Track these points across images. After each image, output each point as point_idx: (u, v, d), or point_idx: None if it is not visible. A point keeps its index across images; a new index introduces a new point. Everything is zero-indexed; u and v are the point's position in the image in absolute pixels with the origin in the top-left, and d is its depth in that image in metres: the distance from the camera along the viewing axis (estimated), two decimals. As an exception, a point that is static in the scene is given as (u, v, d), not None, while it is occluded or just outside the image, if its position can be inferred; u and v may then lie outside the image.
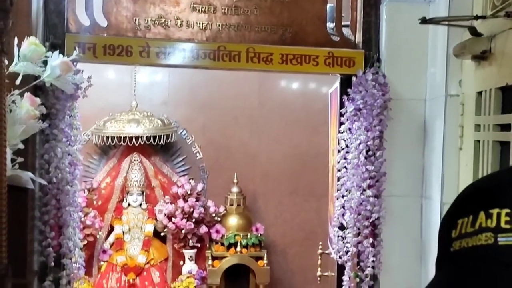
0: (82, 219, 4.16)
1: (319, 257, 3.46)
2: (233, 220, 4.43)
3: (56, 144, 2.48)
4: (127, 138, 4.28)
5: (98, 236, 4.31)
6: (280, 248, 4.73)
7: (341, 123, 2.83)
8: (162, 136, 4.33)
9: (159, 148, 4.53)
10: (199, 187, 4.45)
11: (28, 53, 2.31)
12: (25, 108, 2.31)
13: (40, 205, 2.50)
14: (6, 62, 2.18)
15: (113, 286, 4.29)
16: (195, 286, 4.23)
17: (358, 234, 2.71)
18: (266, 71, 2.84)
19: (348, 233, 2.73)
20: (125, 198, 4.44)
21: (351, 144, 2.74)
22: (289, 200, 4.75)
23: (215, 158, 4.65)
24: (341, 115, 2.82)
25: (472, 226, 0.73)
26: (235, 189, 4.50)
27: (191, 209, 4.32)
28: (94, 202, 4.33)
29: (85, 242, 4.17)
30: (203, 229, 4.36)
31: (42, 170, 2.49)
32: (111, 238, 4.41)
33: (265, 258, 4.31)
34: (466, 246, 0.73)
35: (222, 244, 4.35)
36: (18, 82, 2.27)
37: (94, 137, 4.37)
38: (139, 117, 4.37)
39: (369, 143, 2.67)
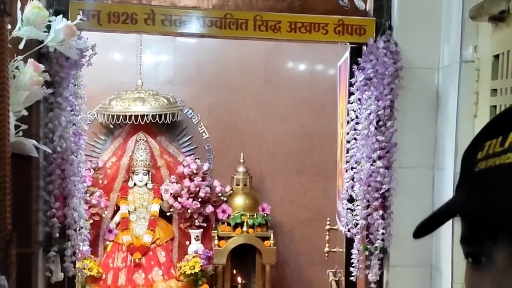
0: (88, 198, 4.13)
1: (327, 233, 3.40)
2: (240, 200, 4.38)
3: (60, 113, 2.42)
4: (133, 117, 4.23)
5: (103, 216, 4.27)
6: (286, 228, 4.68)
7: (350, 94, 2.76)
8: (168, 115, 4.27)
9: (165, 127, 4.48)
10: (205, 166, 4.39)
11: (31, 17, 2.25)
12: (29, 74, 2.25)
13: (44, 174, 2.45)
14: (9, 26, 2.13)
15: (119, 266, 4.25)
16: (201, 266, 4.19)
17: (368, 206, 2.65)
18: (274, 40, 2.77)
19: (357, 205, 2.67)
20: (130, 178, 4.39)
21: (361, 114, 2.67)
22: (296, 180, 4.69)
23: (222, 138, 4.60)
24: (351, 85, 2.76)
25: (501, 145, 0.69)
26: (241, 169, 4.44)
27: (197, 189, 4.27)
28: (100, 182, 4.29)
29: (91, 221, 4.14)
30: (209, 209, 4.31)
31: (46, 139, 2.43)
32: (117, 218, 4.37)
33: (271, 238, 4.26)
34: (493, 165, 0.69)
35: (228, 224, 4.30)
36: (21, 46, 2.21)
37: (100, 116, 4.32)
38: (144, 95, 4.31)
39: (379, 112, 2.60)
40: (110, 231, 4.32)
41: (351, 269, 2.70)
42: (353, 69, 2.72)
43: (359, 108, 2.71)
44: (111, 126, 4.46)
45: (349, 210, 2.72)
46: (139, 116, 4.22)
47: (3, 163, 1.99)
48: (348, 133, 2.74)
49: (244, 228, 4.24)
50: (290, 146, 4.68)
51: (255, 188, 4.53)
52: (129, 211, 4.36)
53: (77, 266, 2.57)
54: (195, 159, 4.41)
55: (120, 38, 4.55)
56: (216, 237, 4.25)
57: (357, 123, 2.71)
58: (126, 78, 4.50)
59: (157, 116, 4.24)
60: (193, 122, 4.53)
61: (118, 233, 4.32)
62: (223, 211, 4.33)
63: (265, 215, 4.37)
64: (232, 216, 4.30)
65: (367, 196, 2.65)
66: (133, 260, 4.23)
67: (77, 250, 2.51)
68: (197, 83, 4.62)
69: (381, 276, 2.69)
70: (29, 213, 2.33)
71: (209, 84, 4.62)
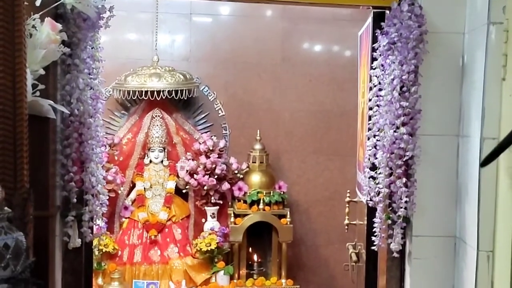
0: (104, 174, 4.07)
1: (347, 205, 3.32)
2: (256, 178, 4.31)
3: (77, 75, 2.35)
4: (149, 92, 4.17)
5: (119, 192, 4.22)
6: (303, 207, 4.61)
7: (373, 60, 2.67)
8: (184, 91, 4.22)
9: (181, 104, 4.42)
10: (222, 143, 4.34)
11: (48, -26, 2.18)
12: (46, 32, 2.18)
13: (62, 138, 2.38)
14: (25, -17, 2.06)
15: (134, 243, 4.20)
16: (217, 243, 4.13)
17: (391, 174, 2.56)
18: (295, 4, 2.69)
19: (379, 173, 2.58)
20: (146, 155, 4.34)
21: (384, 80, 2.59)
22: (312, 158, 4.62)
23: (238, 115, 4.53)
24: (374, 50, 2.66)
25: None
26: (258, 146, 4.38)
27: (213, 166, 4.21)
28: (116, 158, 4.24)
29: (107, 198, 4.09)
30: (225, 186, 4.25)
31: (63, 101, 2.36)
32: (133, 195, 4.32)
33: (288, 216, 4.20)
34: None
35: (245, 202, 4.25)
36: (38, 3, 2.14)
37: (115, 92, 4.27)
38: (160, 71, 4.25)
39: (403, 77, 2.51)
40: (126, 208, 4.27)
41: (373, 238, 2.62)
42: (376, 34, 2.63)
43: (382, 74, 2.62)
44: (127, 103, 4.41)
45: (371, 178, 2.64)
46: (155, 92, 4.17)
47: (21, 119, 1.93)
48: (370, 100, 2.65)
49: (261, 206, 4.18)
50: (307, 124, 4.60)
51: (271, 165, 4.46)
52: (144, 188, 4.30)
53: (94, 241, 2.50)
54: (211, 136, 4.35)
55: (136, 15, 4.49)
56: (232, 215, 4.19)
57: (380, 89, 2.62)
58: (142, 55, 4.44)
59: (173, 92, 4.18)
60: (209, 99, 4.47)
61: (134, 210, 4.27)
62: (239, 189, 4.28)
63: (282, 193, 4.30)
64: (248, 194, 4.24)
65: (390, 164, 2.56)
66: (149, 237, 4.18)
67: (95, 216, 2.45)
68: (213, 60, 4.54)
69: (403, 245, 2.60)
70: (47, 177, 2.26)
71: (225, 62, 4.54)
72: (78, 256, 2.52)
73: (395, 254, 2.58)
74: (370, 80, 2.68)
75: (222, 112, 4.47)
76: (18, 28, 1.92)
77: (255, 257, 4.35)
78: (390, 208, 2.59)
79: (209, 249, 4.11)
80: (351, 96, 4.49)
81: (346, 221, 3.30)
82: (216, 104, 4.47)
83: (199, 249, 4.12)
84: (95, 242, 3.96)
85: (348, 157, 4.56)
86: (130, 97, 4.26)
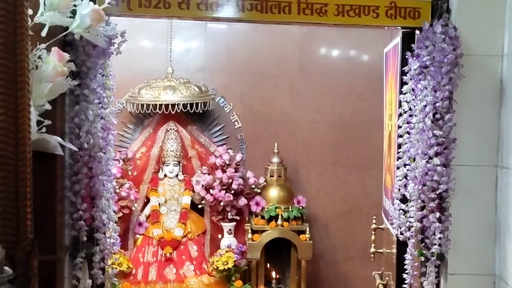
0: (117, 190, 3.88)
1: (373, 232, 3.09)
2: (274, 192, 4.10)
3: (87, 106, 2.14)
4: (163, 106, 3.97)
5: (133, 208, 4.02)
6: (322, 221, 4.39)
7: (403, 83, 2.44)
8: (199, 104, 4.00)
9: (196, 116, 4.21)
10: (238, 157, 4.12)
11: (55, 1, 1.96)
12: (52, 63, 1.97)
13: (70, 173, 2.18)
14: (31, 11, 1.85)
15: (149, 260, 4.00)
16: (234, 261, 3.92)
17: (423, 207, 2.34)
18: (319, 25, 2.46)
19: (411, 206, 2.36)
20: (161, 169, 4.14)
21: (415, 106, 2.36)
22: (331, 171, 4.39)
23: (254, 127, 4.32)
24: (403, 74, 2.43)
25: None
26: (275, 160, 4.16)
27: (230, 180, 4.00)
28: (129, 173, 4.05)
29: (120, 214, 3.90)
30: (243, 201, 4.04)
31: (72, 135, 2.16)
32: (147, 210, 4.13)
33: (307, 232, 3.98)
34: None
35: (262, 217, 4.04)
36: (44, 34, 1.93)
37: (129, 105, 4.06)
38: (175, 83, 4.04)
39: (437, 104, 2.28)
40: (140, 224, 4.08)
41: (404, 275, 2.40)
42: (406, 56, 2.39)
43: (413, 100, 2.39)
44: (141, 116, 4.21)
45: (401, 211, 2.41)
46: (170, 105, 3.96)
47: (24, 165, 1.72)
48: (400, 127, 2.42)
49: (279, 221, 3.97)
50: (325, 136, 4.37)
51: (289, 179, 4.25)
52: (159, 204, 4.11)
53: (106, 270, 2.30)
54: (228, 149, 4.14)
55: (150, 24, 4.27)
56: (249, 231, 3.99)
57: (410, 116, 2.39)
58: (155, 65, 4.23)
59: (188, 105, 3.97)
60: (225, 111, 4.26)
61: (148, 226, 4.08)
62: (257, 204, 4.07)
63: (301, 207, 4.09)
64: (266, 209, 4.03)
65: (422, 197, 2.33)
66: (164, 254, 3.98)
67: (106, 256, 2.25)
68: (229, 70, 4.32)
69: (437, 284, 2.38)
70: (54, 216, 2.06)
71: (241, 72, 4.32)
72: (89, 297, 2.32)
73: (429, 294, 2.36)
74: (400, 106, 2.45)
75: (238, 124, 4.26)
76: (21, 65, 1.71)
77: (273, 274, 4.14)
78: (423, 244, 2.37)
79: (226, 268, 3.91)
80: (371, 107, 4.29)
81: (372, 249, 3.07)
82: (232, 116, 4.25)
83: (215, 267, 3.92)
84: (109, 261, 3.82)
85: (367, 169, 4.35)
86: (144, 110, 4.06)
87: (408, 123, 2.41)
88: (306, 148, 4.37)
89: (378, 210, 4.25)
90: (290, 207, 4.05)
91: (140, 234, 4.08)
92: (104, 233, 2.26)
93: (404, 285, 2.41)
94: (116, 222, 2.33)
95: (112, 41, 2.21)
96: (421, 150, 2.33)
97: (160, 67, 4.18)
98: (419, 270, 2.38)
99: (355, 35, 4.33)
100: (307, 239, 3.97)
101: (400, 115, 2.43)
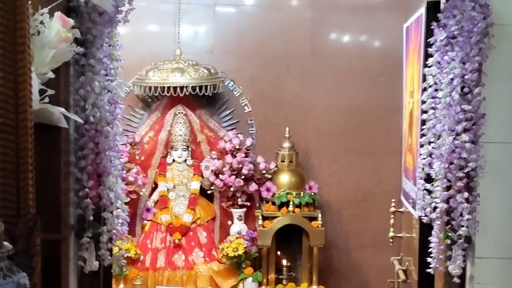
0: (124, 175, 3.73)
1: (392, 216, 2.92)
2: (285, 178, 3.94)
3: (93, 77, 1.98)
4: (171, 88, 3.82)
5: (141, 194, 3.88)
6: (334, 208, 4.22)
7: (427, 56, 2.27)
8: (208, 87, 3.85)
9: (205, 100, 4.06)
10: (248, 142, 3.97)
11: (57, -39, 1.81)
12: (55, 29, 1.81)
13: (75, 148, 2.02)
14: (32, -28, 1.70)
15: (157, 247, 3.86)
16: (244, 248, 3.77)
17: (449, 187, 2.17)
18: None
19: (436, 186, 2.20)
20: (169, 154, 3.99)
21: (441, 80, 2.19)
22: (344, 157, 4.22)
23: (265, 111, 4.15)
24: (428, 46, 2.27)
25: None
26: (286, 144, 4.00)
27: (240, 165, 3.84)
28: (137, 158, 3.90)
29: (128, 199, 3.76)
30: (253, 186, 3.88)
31: (77, 107, 2.00)
32: (155, 196, 3.98)
33: (319, 219, 3.82)
34: None
35: (273, 203, 3.88)
36: (46, -4, 1.78)
37: (136, 88, 3.91)
38: (183, 66, 3.88)
39: (465, 77, 2.11)
40: (148, 210, 3.93)
41: (429, 259, 2.23)
42: (432, 27, 2.23)
43: (438, 73, 2.22)
44: (148, 99, 4.06)
45: (426, 192, 2.25)
46: (178, 88, 3.81)
47: (25, 134, 1.57)
48: (425, 102, 2.26)
49: (290, 208, 3.81)
50: (338, 120, 4.20)
51: (301, 165, 4.08)
52: (168, 189, 3.96)
53: (114, 252, 2.15)
54: (237, 133, 3.99)
55: (157, 6, 4.12)
56: (260, 217, 3.84)
57: (436, 90, 2.23)
58: (163, 48, 4.07)
59: (197, 87, 3.82)
60: (234, 94, 4.10)
61: (156, 212, 3.93)
62: (268, 189, 3.91)
63: (312, 194, 3.93)
64: (277, 195, 3.88)
65: (449, 176, 2.16)
66: (173, 240, 3.84)
67: (114, 236, 2.09)
68: (239, 53, 4.16)
69: (464, 269, 2.21)
70: (58, 194, 1.91)
71: (251, 54, 4.16)
72: (96, 280, 2.17)
73: (455, 279, 2.19)
74: (424, 80, 2.28)
75: (248, 108, 4.10)
76: (21, 25, 1.55)
77: (284, 262, 3.98)
78: (449, 226, 2.20)
79: (236, 254, 3.76)
80: (386, 90, 4.13)
81: (391, 234, 2.90)
82: (242, 100, 4.09)
83: (225, 254, 3.77)
84: (116, 247, 3.67)
85: (382, 156, 4.19)
86: (151, 93, 3.91)
87: (433, 98, 2.24)
88: (318, 133, 4.20)
89: (392, 197, 4.08)
90: (301, 193, 3.89)
91: (148, 220, 3.94)
92: (112, 212, 2.11)
93: (429, 270, 2.25)
94: (125, 203, 2.17)
95: (119, 8, 2.05)
96: (447, 126, 2.16)
97: (168, 50, 4.03)
98: (445, 254, 2.21)
99: (367, 16, 4.16)
100: (319, 226, 3.81)
101: (425, 89, 2.27)
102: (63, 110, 1.86)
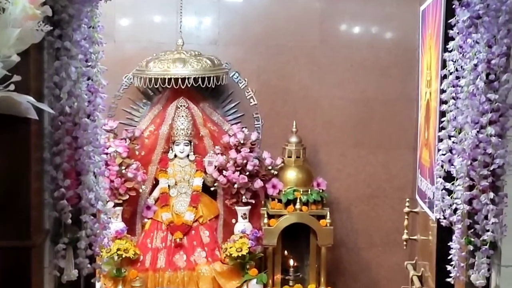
0: (123, 171, 3.48)
1: (406, 217, 2.62)
2: (292, 174, 3.65)
3: (69, 61, 1.69)
4: (173, 80, 3.53)
5: (141, 191, 3.61)
6: (343, 206, 3.93)
7: (447, 40, 1.97)
8: (211, 78, 3.56)
9: (208, 92, 3.78)
10: (253, 136, 3.68)
11: None
12: (21, 4, 1.54)
13: (50, 143, 1.75)
14: None
15: (158, 246, 3.59)
16: (249, 248, 3.49)
17: (472, 187, 1.87)
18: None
19: (457, 185, 1.90)
20: (170, 149, 3.71)
21: (464, 65, 1.89)
22: (353, 152, 3.93)
23: (271, 104, 3.86)
24: (449, 27, 1.96)
25: None
26: (294, 139, 3.71)
27: (245, 161, 3.56)
28: (136, 153, 3.62)
29: (127, 197, 3.51)
30: (258, 183, 3.59)
31: (51, 97, 1.72)
32: (156, 193, 3.70)
33: (327, 217, 3.54)
34: None
35: (279, 201, 3.60)
36: (8, -34, 1.50)
37: (136, 80, 3.63)
38: (185, 56, 3.60)
39: (492, 62, 1.80)
40: (148, 207, 3.66)
41: (449, 268, 1.94)
42: (454, 6, 1.92)
43: (460, 58, 1.92)
44: (149, 92, 3.78)
45: (445, 192, 1.95)
46: (180, 79, 3.53)
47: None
48: (444, 91, 1.96)
49: (297, 206, 3.53)
50: (347, 114, 3.90)
51: (308, 160, 3.80)
52: (169, 186, 3.68)
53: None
54: (242, 127, 3.69)
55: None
56: (265, 215, 3.56)
57: (457, 78, 1.92)
58: (165, 38, 3.80)
59: (200, 79, 3.53)
60: (239, 87, 3.81)
61: (157, 210, 3.66)
62: (274, 186, 3.63)
63: (321, 191, 3.64)
64: (283, 192, 3.60)
65: (472, 174, 1.86)
66: (174, 240, 3.57)
67: (94, 242, 1.81)
68: (244, 43, 3.86)
69: (488, 278, 1.91)
70: (28, 194, 1.62)
71: (257, 45, 3.86)
72: (76, 290, 1.89)
73: (479, 290, 1.89)
74: (444, 67, 1.98)
75: (254, 101, 3.81)
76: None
77: (291, 262, 3.70)
78: (472, 230, 1.90)
79: (240, 255, 3.47)
80: (397, 83, 3.87)
81: (405, 236, 2.60)
82: (247, 92, 3.80)
83: (229, 254, 3.49)
84: (114, 247, 3.41)
85: (393, 150, 3.91)
86: (152, 85, 3.64)
87: (454, 86, 1.94)
88: (326, 127, 3.90)
89: (404, 193, 3.84)
90: (309, 190, 3.60)
91: (148, 218, 3.67)
92: (94, 215, 1.83)
93: (448, 279, 1.95)
94: (107, 202, 1.88)
95: (101, -16, 1.76)
96: (471, 118, 1.86)
97: (170, 40, 3.75)
98: (467, 262, 1.91)
99: (378, 6, 3.86)
100: (328, 225, 3.53)
101: (445, 77, 1.96)
102: (30, 99, 1.58)
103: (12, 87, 1.54)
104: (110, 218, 1.88)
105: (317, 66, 3.88)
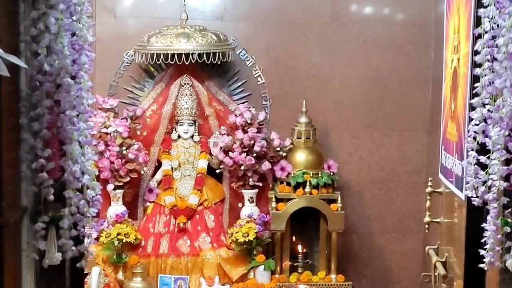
0: (124, 152, 3.22)
1: (428, 197, 2.34)
2: (301, 156, 3.40)
3: (47, 11, 1.43)
4: (176, 56, 3.27)
5: (142, 173, 3.36)
6: (355, 189, 3.68)
7: (482, -6, 1.69)
8: (217, 54, 3.30)
9: (214, 70, 3.52)
10: (261, 116, 3.41)
11: None
12: None
13: (27, 107, 1.49)
14: None
15: (160, 231, 3.34)
16: (256, 233, 3.23)
17: (510, 160, 1.60)
18: None
19: (493, 159, 1.62)
20: (174, 129, 3.46)
21: (501, 23, 1.60)
22: (366, 133, 3.68)
23: (280, 83, 3.61)
24: (484, -20, 1.68)
25: None
26: (303, 119, 3.45)
27: (252, 142, 3.30)
28: (138, 133, 3.37)
29: (128, 179, 3.26)
30: (266, 165, 3.33)
31: (27, 52, 1.46)
32: (158, 175, 3.45)
33: (338, 201, 3.28)
34: None
35: (288, 184, 3.36)
36: None
37: (137, 56, 3.37)
38: (189, 31, 3.34)
39: (536, 16, 1.54)
40: (150, 190, 3.42)
41: (482, 252, 1.66)
42: (491, -46, 1.63)
43: (497, 15, 1.63)
44: (152, 69, 3.52)
45: (478, 166, 1.67)
46: (183, 55, 3.27)
47: None
48: (479, 52, 1.67)
49: (307, 189, 3.29)
50: (360, 93, 3.65)
51: (319, 142, 3.54)
52: (172, 168, 3.43)
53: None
54: (250, 107, 3.42)
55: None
56: (273, 199, 3.33)
57: (493, 38, 1.64)
58: (168, 13, 3.57)
59: (205, 55, 3.27)
60: (246, 64, 3.54)
61: (159, 193, 3.41)
62: (282, 169, 3.38)
63: (331, 173, 3.38)
64: (292, 175, 3.35)
65: (510, 146, 1.58)
66: (177, 224, 3.32)
67: (79, 221, 1.55)
68: (252, 19, 3.61)
69: (527, 265, 1.64)
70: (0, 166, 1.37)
71: (265, 21, 3.60)
72: (60, 276, 1.63)
73: (518, 279, 1.61)
74: (477, 25, 1.69)
75: (261, 79, 3.53)
76: None
77: (299, 248, 3.44)
78: (509, 210, 1.62)
79: (246, 240, 3.22)
80: (412, 61, 3.62)
81: (427, 218, 2.32)
82: (255, 70, 3.53)
83: (235, 239, 3.23)
84: (114, 231, 3.17)
85: (407, 132, 3.66)
86: (154, 61, 3.37)
87: (490, 47, 1.65)
88: (338, 107, 3.65)
89: (419, 177, 3.61)
90: (319, 172, 3.34)
91: (150, 202, 3.42)
92: (81, 191, 1.57)
93: (482, 265, 1.67)
94: (95, 177, 1.62)
95: None
96: (510, 82, 1.57)
97: (174, 15, 3.51)
98: (503, 245, 1.63)
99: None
100: (339, 209, 3.28)
101: (479, 37, 1.67)
102: (0, 52, 1.31)
103: (-23, 37, 1.28)
104: (98, 195, 1.60)
105: (328, 43, 3.62)
